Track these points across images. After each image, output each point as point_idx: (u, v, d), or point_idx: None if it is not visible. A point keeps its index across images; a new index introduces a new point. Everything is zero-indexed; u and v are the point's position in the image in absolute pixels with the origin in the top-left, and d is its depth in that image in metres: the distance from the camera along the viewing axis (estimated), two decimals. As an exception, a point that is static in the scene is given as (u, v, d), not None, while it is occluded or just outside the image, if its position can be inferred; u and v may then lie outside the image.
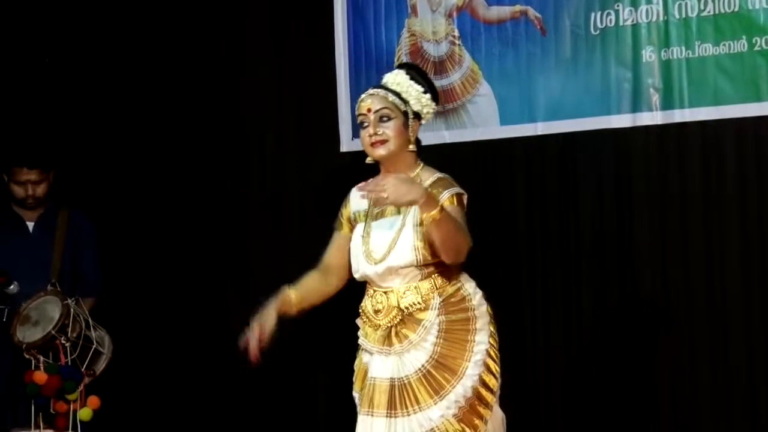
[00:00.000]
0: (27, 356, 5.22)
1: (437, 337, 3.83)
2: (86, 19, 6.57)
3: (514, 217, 5.57)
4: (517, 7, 5.50)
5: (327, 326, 5.11)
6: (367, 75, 5.86)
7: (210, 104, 6.31)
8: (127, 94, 6.50)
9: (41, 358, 5.21)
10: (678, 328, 5.20)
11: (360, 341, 3.98)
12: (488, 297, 3.99)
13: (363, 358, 3.99)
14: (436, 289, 3.87)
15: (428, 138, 5.60)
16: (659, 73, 5.20)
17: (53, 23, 6.59)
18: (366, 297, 3.97)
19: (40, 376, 5.16)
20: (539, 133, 5.47)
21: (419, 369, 3.81)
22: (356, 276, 3.99)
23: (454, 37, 5.66)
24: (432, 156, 5.57)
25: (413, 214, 3.83)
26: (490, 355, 3.87)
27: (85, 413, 5.23)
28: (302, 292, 4.01)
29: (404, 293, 3.87)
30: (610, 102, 5.29)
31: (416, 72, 4.03)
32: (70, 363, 5.22)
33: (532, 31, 5.47)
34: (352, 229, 4.06)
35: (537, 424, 5.47)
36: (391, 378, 3.84)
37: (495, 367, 3.88)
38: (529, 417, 5.44)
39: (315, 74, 6.00)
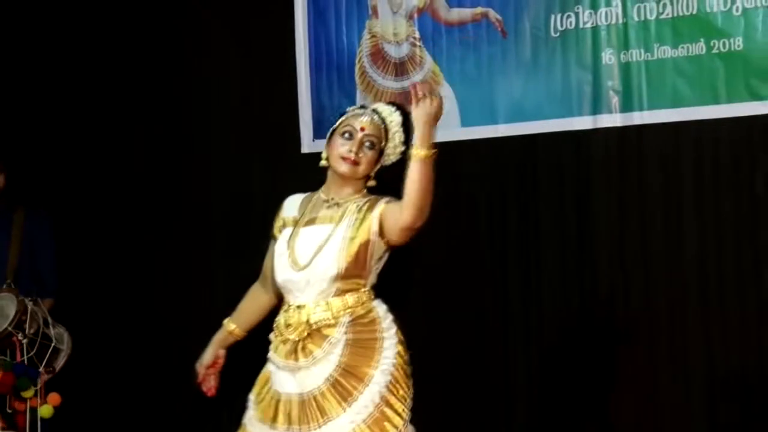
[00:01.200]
0: None
1: (343, 351, 3.83)
2: (43, 12, 6.52)
3: (475, 218, 5.59)
4: (478, 9, 5.52)
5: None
6: (328, 76, 5.88)
7: (170, 103, 6.30)
8: (88, 91, 6.46)
9: None
10: (637, 328, 5.23)
11: (269, 355, 3.97)
12: (399, 317, 3.97)
13: (269, 367, 3.98)
14: (348, 307, 3.86)
15: (389, 139, 5.71)
16: (619, 75, 5.24)
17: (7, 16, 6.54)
18: (281, 311, 3.97)
19: None
20: (500, 134, 5.49)
21: (327, 378, 3.81)
22: (278, 280, 3.96)
23: (415, 38, 5.68)
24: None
25: (345, 225, 3.87)
26: (398, 371, 3.85)
27: (45, 410, 5.20)
28: (243, 320, 4.10)
29: (315, 309, 3.87)
30: (571, 104, 5.32)
31: (406, 120, 4.01)
32: (26, 361, 5.18)
33: (493, 33, 5.49)
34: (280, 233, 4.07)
35: (498, 425, 5.49)
36: (300, 393, 3.85)
37: (406, 382, 3.86)
38: (491, 419, 5.47)
39: (276, 75, 5.99)
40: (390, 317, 3.93)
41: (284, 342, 3.89)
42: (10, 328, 5.16)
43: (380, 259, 3.92)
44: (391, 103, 4.09)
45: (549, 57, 5.36)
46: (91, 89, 6.45)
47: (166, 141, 6.31)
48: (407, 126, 3.99)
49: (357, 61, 5.81)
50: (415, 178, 3.78)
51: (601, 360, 5.30)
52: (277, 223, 4.06)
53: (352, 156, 3.89)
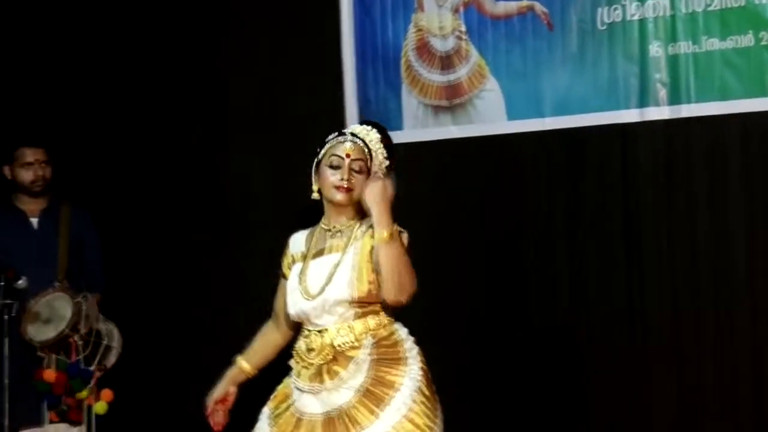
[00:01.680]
0: (40, 354, 5.25)
1: (369, 368, 3.87)
2: (91, 9, 6.56)
3: (521, 213, 5.57)
4: (524, 3, 5.51)
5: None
6: (374, 70, 5.88)
7: (215, 100, 6.30)
8: (131, 88, 6.48)
9: (53, 356, 5.24)
10: (684, 326, 5.21)
11: (291, 380, 3.99)
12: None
13: (291, 385, 4.00)
14: (370, 330, 3.91)
15: (435, 133, 5.72)
16: (666, 67, 5.21)
17: (57, 11, 6.58)
18: (300, 338, 4.00)
19: (50, 374, 5.20)
20: (546, 128, 5.47)
21: (357, 390, 3.84)
22: (291, 313, 4.00)
23: (460, 32, 5.67)
24: (439, 151, 5.68)
25: (353, 252, 3.91)
26: (424, 382, 3.88)
27: (100, 407, 5.28)
28: (254, 358, 4.15)
29: (338, 332, 3.90)
30: (618, 97, 5.30)
31: (384, 137, 4.06)
32: (82, 360, 5.24)
33: (539, 26, 5.47)
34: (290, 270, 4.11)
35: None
36: (324, 412, 3.87)
37: (432, 393, 3.89)
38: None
39: (321, 69, 5.99)
40: (411, 339, 3.98)
41: (307, 367, 3.93)
42: (67, 331, 5.21)
43: None
44: (365, 122, 4.14)
45: (596, 50, 5.34)
46: (137, 86, 6.47)
47: (208, 138, 6.31)
48: (386, 140, 4.05)
49: (402, 54, 5.81)
50: (384, 261, 3.81)
51: (646, 357, 5.28)
52: (286, 261, 4.11)
53: (345, 184, 3.94)
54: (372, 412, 3.80)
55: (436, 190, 5.73)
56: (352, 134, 4.02)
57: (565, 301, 5.47)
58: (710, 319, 5.16)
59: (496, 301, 5.62)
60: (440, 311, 5.59)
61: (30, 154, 5.55)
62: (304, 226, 4.13)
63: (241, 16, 6.28)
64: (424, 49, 5.76)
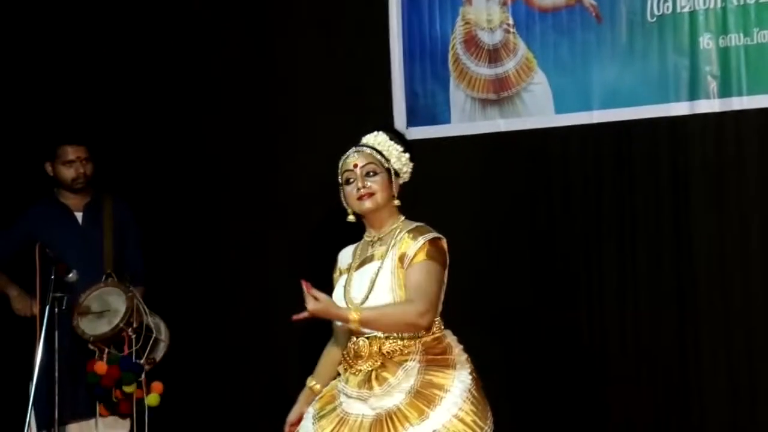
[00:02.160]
0: (92, 348, 5.29)
1: (417, 374, 3.91)
2: (134, 6, 6.60)
3: (569, 207, 5.53)
4: (573, -5, 5.47)
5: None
6: (422, 64, 5.86)
7: (261, 94, 6.30)
8: (177, 83, 6.50)
9: (106, 349, 5.28)
10: (734, 322, 5.15)
11: (339, 386, 4.04)
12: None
13: (339, 387, 4.04)
14: (418, 337, 3.95)
15: (483, 127, 5.69)
16: (717, 60, 5.16)
17: (101, 9, 6.62)
18: (349, 344, 4.04)
19: (101, 366, 5.24)
20: (595, 121, 5.43)
21: (408, 392, 3.88)
22: (339, 324, 4.07)
23: (508, 25, 5.63)
24: (487, 145, 5.66)
25: (391, 258, 3.99)
26: (474, 389, 3.93)
27: (152, 399, 5.32)
28: (323, 376, 4.20)
29: (386, 339, 3.96)
30: (668, 90, 5.25)
31: (394, 134, 4.18)
32: (134, 353, 5.28)
33: (588, 18, 5.43)
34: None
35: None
36: (373, 414, 3.90)
37: (482, 397, 3.94)
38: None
39: (370, 63, 5.98)
40: (460, 347, 4.03)
41: (355, 373, 3.98)
42: (122, 325, 5.26)
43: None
44: (375, 129, 4.19)
45: (645, 42, 5.29)
46: (177, 80, 6.49)
47: (253, 131, 6.31)
48: (397, 137, 4.16)
49: (450, 48, 5.79)
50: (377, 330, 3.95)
51: (695, 356, 5.23)
52: (335, 275, 4.20)
53: (363, 191, 4.03)
54: (422, 412, 3.84)
55: (483, 184, 5.71)
56: (358, 145, 4.12)
57: (612, 299, 5.42)
58: (761, 320, 5.09)
59: (540, 298, 5.59)
60: (483, 306, 5.60)
61: (71, 152, 5.60)
62: (350, 235, 4.18)
63: (289, 11, 6.28)
64: (471, 42, 5.74)
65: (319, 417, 4.04)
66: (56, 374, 5.12)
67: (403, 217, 4.12)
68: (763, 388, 5.09)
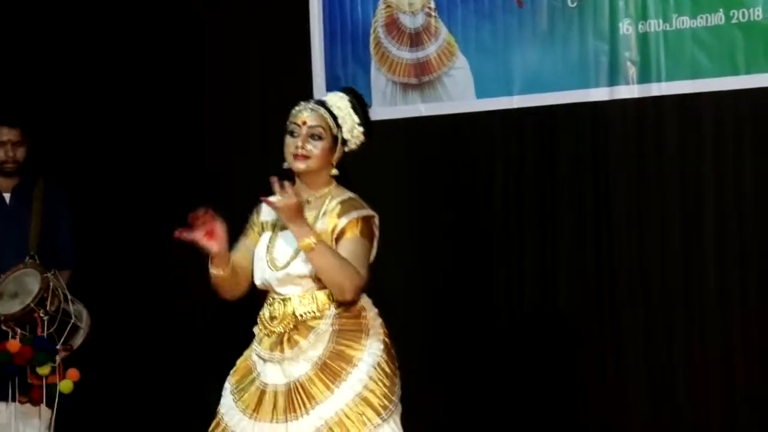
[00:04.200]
0: (4, 328, 5.17)
1: (330, 338, 3.90)
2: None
3: (491, 192, 5.53)
4: (494, -21, 5.46)
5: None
6: (343, 48, 5.82)
7: (184, 76, 6.24)
8: (106, 69, 6.42)
9: (18, 331, 5.17)
10: (654, 304, 5.19)
11: (253, 346, 4.03)
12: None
13: (253, 357, 4.02)
14: (333, 300, 3.93)
15: (404, 111, 5.69)
16: (636, 46, 5.17)
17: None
18: (265, 305, 4.03)
19: (14, 345, 5.12)
20: (515, 106, 5.42)
21: (315, 363, 3.87)
22: (257, 283, 4.04)
23: (430, 8, 5.61)
24: (408, 129, 5.64)
25: (319, 228, 3.93)
26: (386, 354, 3.94)
27: (65, 385, 5.19)
28: (232, 265, 4.04)
29: (301, 301, 3.95)
30: (588, 75, 5.26)
31: (358, 102, 4.08)
32: (46, 337, 5.17)
33: (509, 3, 5.42)
34: (259, 236, 4.12)
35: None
36: (286, 383, 3.90)
37: (392, 366, 3.94)
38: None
39: (290, 46, 5.94)
40: (375, 310, 4.02)
41: (269, 335, 3.97)
42: (32, 305, 5.15)
43: None
44: (344, 89, 4.14)
45: (566, 27, 5.29)
46: (111, 66, 6.41)
47: (181, 115, 6.24)
48: (360, 107, 4.05)
49: (372, 31, 5.75)
50: (314, 268, 3.89)
51: (614, 339, 5.26)
52: (256, 222, 4.14)
53: (300, 151, 3.95)
54: (327, 387, 3.84)
55: (404, 169, 5.69)
56: (316, 102, 4.04)
57: (533, 282, 5.44)
58: (679, 305, 5.13)
59: (463, 283, 5.59)
60: (405, 292, 5.59)
61: (3, 134, 5.47)
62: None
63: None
64: (393, 25, 5.71)
65: (238, 391, 4.01)
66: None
67: (335, 183, 4.05)
68: (680, 378, 5.15)
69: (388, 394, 3.88)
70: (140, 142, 6.36)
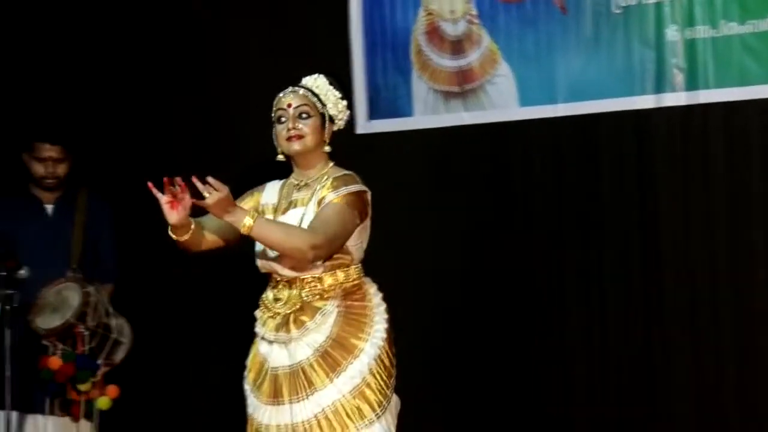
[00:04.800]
0: (45, 343, 5.16)
1: (335, 321, 3.97)
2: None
3: (534, 201, 5.47)
4: (538, -14, 5.40)
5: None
6: (383, 55, 5.77)
7: (220, 88, 6.21)
8: (145, 81, 6.41)
9: (59, 345, 5.16)
10: (701, 313, 5.10)
11: (256, 329, 4.09)
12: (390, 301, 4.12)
13: (260, 349, 4.10)
14: (339, 282, 4.02)
15: (446, 120, 5.63)
16: (683, 52, 5.10)
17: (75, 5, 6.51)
18: (268, 288, 4.11)
19: (55, 362, 5.12)
20: (559, 114, 5.36)
21: (317, 349, 3.94)
22: (259, 265, 4.11)
23: (472, 16, 5.56)
24: (450, 138, 5.59)
25: (313, 204, 4.02)
26: (387, 344, 4.02)
27: (103, 402, 5.20)
28: (197, 225, 4.07)
29: (306, 284, 4.00)
30: (633, 82, 5.18)
31: (334, 78, 4.21)
32: (87, 351, 5.17)
33: (553, 9, 5.36)
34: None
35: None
36: (290, 365, 3.97)
37: (391, 357, 4.03)
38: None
39: (330, 55, 5.88)
40: (380, 294, 4.10)
41: (273, 316, 4.03)
42: (72, 320, 5.13)
43: (357, 237, 4.05)
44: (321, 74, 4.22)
45: (611, 34, 5.22)
46: (151, 79, 6.39)
47: (218, 127, 6.22)
48: (338, 83, 4.18)
49: (412, 39, 5.70)
50: (264, 245, 3.99)
51: (662, 350, 5.18)
52: (254, 198, 4.20)
53: (293, 132, 4.05)
54: (327, 375, 3.92)
55: (446, 178, 5.64)
56: (296, 86, 4.14)
57: (577, 293, 5.36)
58: (728, 314, 5.04)
59: (505, 293, 5.52)
60: (447, 300, 5.57)
61: (45, 150, 5.49)
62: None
63: (247, 3, 6.18)
64: (434, 33, 5.66)
65: (257, 386, 4.08)
66: (7, 373, 4.98)
67: (332, 164, 4.15)
68: (730, 382, 5.05)
69: (384, 388, 3.96)
70: (184, 155, 6.32)
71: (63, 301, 5.22)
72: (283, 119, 4.08)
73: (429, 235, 5.63)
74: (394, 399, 4.04)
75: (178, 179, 3.89)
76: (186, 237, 4.04)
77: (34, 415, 5.32)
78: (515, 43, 5.46)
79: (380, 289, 4.17)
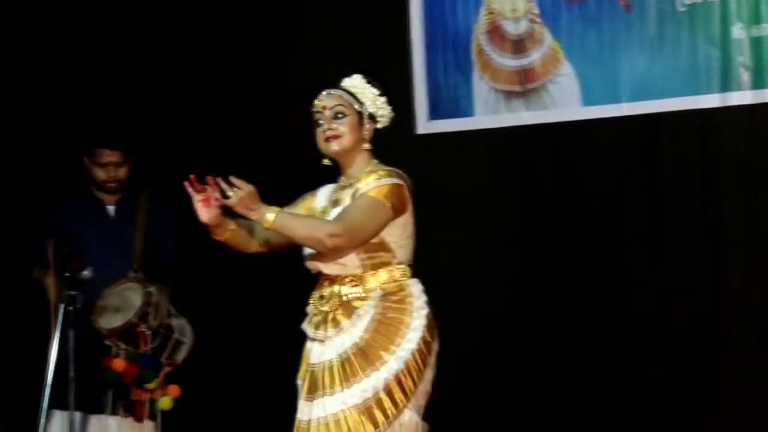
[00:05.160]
0: (108, 343, 5.18)
1: (368, 326, 3.96)
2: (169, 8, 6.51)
3: (596, 202, 5.41)
4: (601, -17, 5.35)
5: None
6: (444, 55, 5.74)
7: (280, 88, 6.19)
8: (205, 83, 6.41)
9: (122, 346, 5.17)
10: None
11: (302, 326, 4.14)
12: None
13: (306, 345, 4.14)
14: (380, 283, 4.01)
15: (507, 119, 5.59)
16: (749, 50, 5.04)
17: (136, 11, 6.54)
18: (316, 286, 4.13)
19: (119, 364, 5.13)
20: (623, 113, 5.31)
21: (341, 353, 3.95)
22: (307, 265, 4.14)
23: (533, 14, 5.52)
24: (511, 138, 5.55)
25: (350, 199, 4.04)
26: (416, 359, 3.96)
27: (165, 402, 5.21)
28: (239, 227, 4.15)
29: (348, 282, 4.02)
30: (698, 81, 5.14)
31: (373, 77, 4.20)
32: (150, 351, 5.18)
33: (616, 7, 5.30)
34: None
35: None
36: (320, 362, 4.02)
37: (417, 373, 3.96)
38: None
39: (390, 53, 5.86)
40: (424, 298, 4.05)
41: (317, 314, 4.07)
42: (134, 320, 5.16)
43: (398, 234, 4.03)
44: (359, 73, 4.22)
45: (675, 32, 5.17)
46: (209, 81, 6.39)
47: (279, 127, 6.20)
48: (376, 80, 4.17)
49: (473, 38, 5.67)
50: (288, 238, 4.05)
51: (729, 355, 5.12)
52: (308, 202, 4.26)
53: (329, 133, 4.07)
54: (341, 383, 3.93)
55: (507, 178, 5.60)
56: (331, 87, 4.17)
57: (639, 295, 5.30)
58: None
59: (564, 293, 5.47)
60: (505, 299, 5.52)
61: (105, 156, 5.53)
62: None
63: (308, 3, 6.16)
64: (495, 32, 5.62)
65: (302, 382, 4.12)
66: (71, 374, 4.99)
67: (375, 161, 4.15)
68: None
69: (392, 406, 3.89)
70: (243, 156, 6.33)
71: (125, 302, 5.24)
72: (320, 122, 4.11)
73: (489, 235, 5.59)
74: (414, 421, 3.97)
75: (209, 177, 3.94)
76: (224, 236, 4.12)
77: (98, 415, 5.36)
78: (578, 42, 5.41)
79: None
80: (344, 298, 4.01)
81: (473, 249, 5.60)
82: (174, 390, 5.23)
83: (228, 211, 4.06)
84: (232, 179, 3.85)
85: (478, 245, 5.61)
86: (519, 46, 5.55)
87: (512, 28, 5.58)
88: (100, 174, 5.53)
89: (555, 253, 5.52)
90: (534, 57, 5.51)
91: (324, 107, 4.10)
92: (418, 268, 5.43)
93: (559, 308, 5.48)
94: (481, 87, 5.65)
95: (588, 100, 5.39)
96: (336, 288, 4.03)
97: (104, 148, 5.51)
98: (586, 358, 5.42)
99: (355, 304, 3.99)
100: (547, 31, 5.48)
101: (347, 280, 4.02)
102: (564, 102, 5.46)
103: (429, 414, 4.10)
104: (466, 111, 5.66)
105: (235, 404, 6.22)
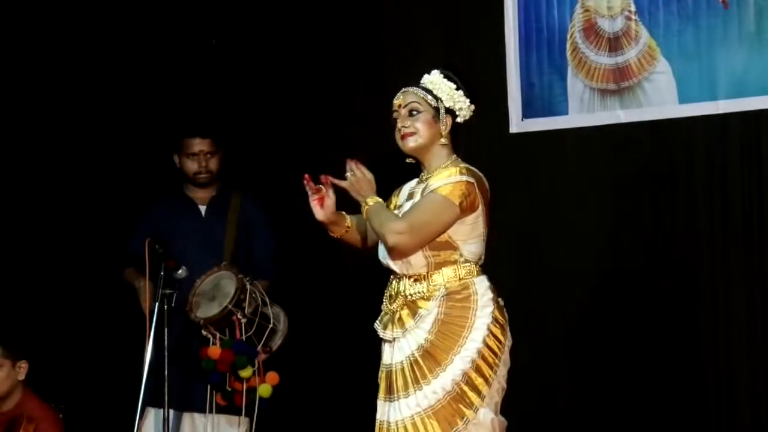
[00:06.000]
0: (204, 333, 5.23)
1: (431, 328, 3.95)
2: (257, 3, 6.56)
3: (693, 201, 5.33)
4: (698, -21, 5.27)
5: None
6: (538, 53, 5.71)
7: (373, 85, 6.20)
8: (294, 77, 6.45)
9: (218, 335, 5.21)
10: None
11: (375, 324, 4.18)
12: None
13: (381, 344, 4.17)
14: (445, 282, 3.99)
15: (602, 118, 5.54)
16: None
17: (221, 5, 6.60)
18: (388, 284, 4.16)
19: (215, 351, 5.17)
20: (721, 111, 5.21)
21: (408, 356, 3.96)
22: (381, 260, 4.16)
23: (630, 12, 5.45)
24: (607, 136, 5.49)
25: (421, 195, 4.07)
26: (483, 357, 3.94)
27: (264, 389, 5.22)
28: (355, 223, 4.28)
29: (412, 282, 4.03)
30: (799, 78, 5.02)
31: (452, 72, 4.19)
32: (245, 339, 5.20)
33: (714, 4, 5.22)
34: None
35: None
36: (390, 364, 4.05)
37: (488, 371, 3.94)
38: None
39: (484, 52, 5.85)
40: (489, 295, 4.01)
41: (386, 313, 4.10)
42: (230, 307, 5.18)
43: (466, 233, 4.02)
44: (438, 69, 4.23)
45: (774, 28, 5.08)
46: (299, 74, 6.44)
47: (368, 122, 6.21)
48: (455, 75, 4.16)
49: (568, 36, 5.62)
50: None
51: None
52: (394, 196, 4.31)
53: (404, 130, 4.11)
54: (413, 384, 3.94)
55: (603, 177, 5.54)
56: (408, 85, 4.19)
57: (740, 301, 5.20)
58: None
59: (661, 298, 5.40)
60: (601, 299, 5.48)
61: (195, 145, 5.59)
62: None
63: (405, 6, 6.17)
64: (591, 30, 5.56)
65: (380, 382, 4.15)
66: (166, 372, 5.05)
67: (454, 157, 4.15)
68: None
69: (462, 408, 3.89)
70: (330, 151, 6.34)
71: (219, 290, 5.29)
72: (397, 120, 4.15)
73: (583, 234, 5.54)
74: (488, 419, 3.96)
75: (323, 176, 4.04)
76: (341, 233, 4.22)
77: (191, 413, 5.40)
78: (674, 39, 5.33)
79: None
80: (409, 297, 4.04)
81: (567, 248, 5.56)
82: (272, 377, 5.23)
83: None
84: (356, 164, 3.98)
85: (573, 244, 5.56)
86: (615, 44, 5.49)
87: (608, 26, 5.52)
88: (192, 166, 5.57)
89: (652, 252, 5.45)
90: (630, 54, 5.44)
91: (399, 105, 4.14)
92: (512, 266, 5.44)
93: (655, 308, 5.41)
94: (575, 85, 5.60)
95: (684, 98, 5.31)
96: (402, 286, 4.06)
97: (193, 137, 5.55)
98: (685, 351, 5.36)
99: (420, 304, 4.01)
100: (644, 29, 5.41)
101: (412, 278, 4.02)
102: (660, 100, 5.38)
103: (506, 410, 4.12)
104: (561, 109, 5.62)
105: (323, 402, 6.25)
